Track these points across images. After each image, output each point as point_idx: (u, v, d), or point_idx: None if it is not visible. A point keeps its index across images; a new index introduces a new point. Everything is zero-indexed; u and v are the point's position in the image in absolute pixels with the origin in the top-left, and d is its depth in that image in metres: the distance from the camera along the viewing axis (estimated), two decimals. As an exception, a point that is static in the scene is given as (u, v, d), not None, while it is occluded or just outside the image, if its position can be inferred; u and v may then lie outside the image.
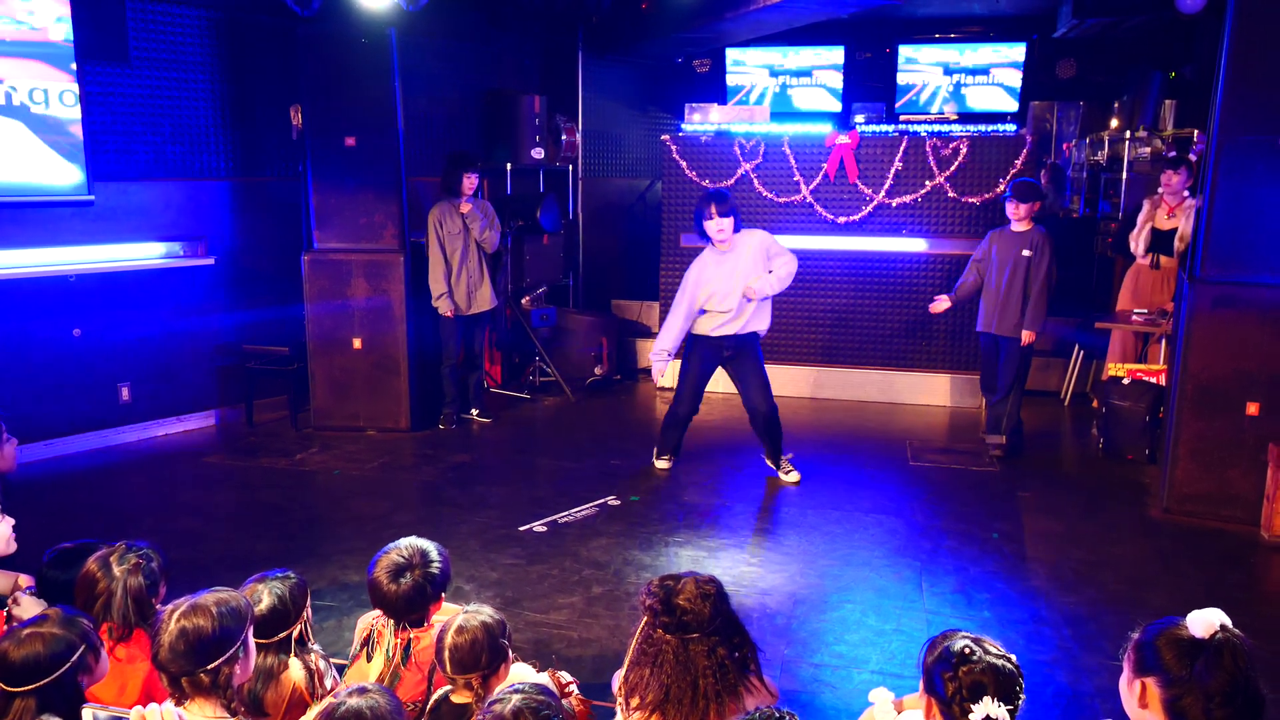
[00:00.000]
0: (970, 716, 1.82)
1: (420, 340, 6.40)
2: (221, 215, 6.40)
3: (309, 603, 2.50)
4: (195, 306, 6.31)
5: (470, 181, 6.25)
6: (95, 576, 2.41)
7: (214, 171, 6.31)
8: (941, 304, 5.87)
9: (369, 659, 2.56)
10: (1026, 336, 5.57)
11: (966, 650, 1.87)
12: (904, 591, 4.03)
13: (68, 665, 2.01)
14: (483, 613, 2.31)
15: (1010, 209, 5.57)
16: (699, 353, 5.30)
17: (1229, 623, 1.74)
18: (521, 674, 2.45)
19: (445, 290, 6.26)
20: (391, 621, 2.52)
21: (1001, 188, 6.68)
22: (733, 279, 5.08)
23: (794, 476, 5.38)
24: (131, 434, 6.09)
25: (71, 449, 5.81)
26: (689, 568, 4.13)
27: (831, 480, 5.46)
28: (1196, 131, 7.49)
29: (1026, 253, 5.51)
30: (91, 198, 5.59)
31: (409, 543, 2.57)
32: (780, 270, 5.11)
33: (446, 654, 2.24)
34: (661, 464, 5.56)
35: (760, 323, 5.24)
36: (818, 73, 8.80)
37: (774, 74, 8.88)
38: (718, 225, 5.05)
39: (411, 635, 2.50)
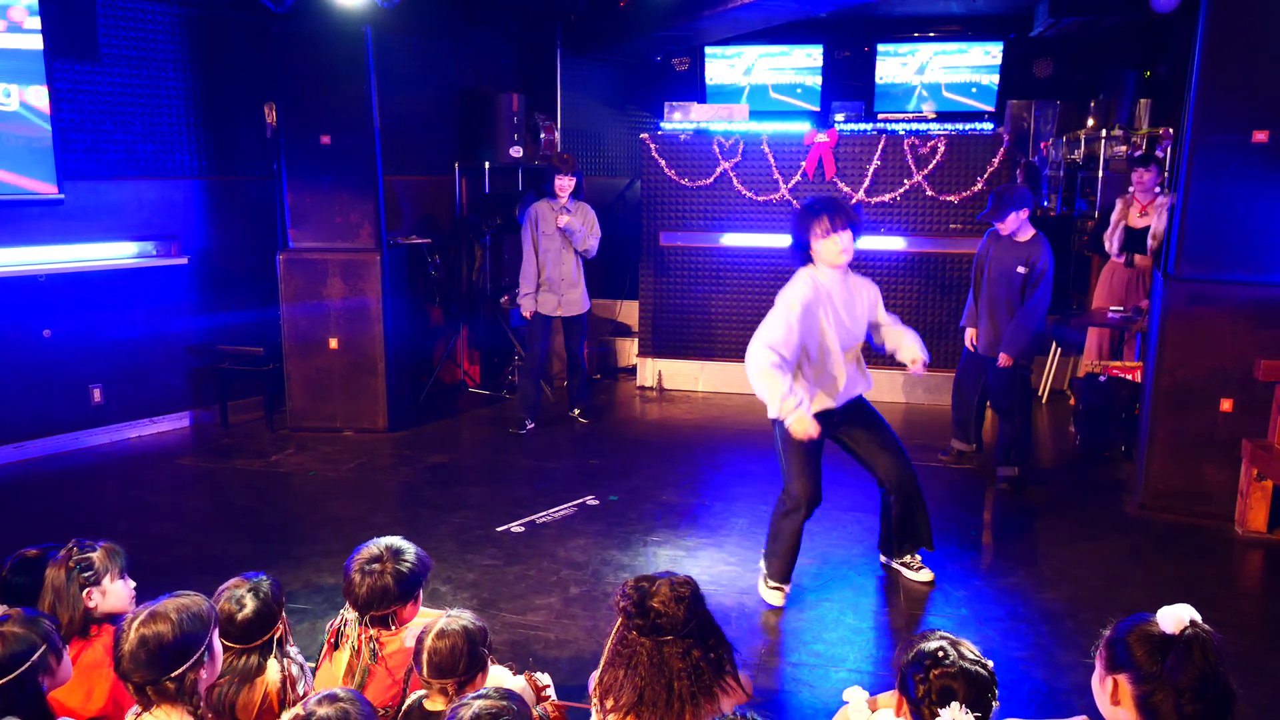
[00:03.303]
0: None
1: (398, 340, 6.35)
2: (195, 214, 6.33)
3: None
4: (168, 307, 6.23)
5: (563, 183, 6.09)
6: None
7: (187, 170, 6.24)
8: (971, 336, 5.42)
9: (334, 651, 2.54)
10: (1003, 359, 5.05)
11: (940, 653, 1.86)
12: (882, 589, 4.03)
13: (28, 665, 1.97)
14: (464, 618, 2.30)
15: (1000, 229, 5.11)
16: None
17: (1198, 618, 1.75)
18: (498, 678, 2.43)
19: (531, 290, 6.21)
20: (356, 617, 2.50)
21: (979, 185, 6.71)
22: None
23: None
24: (103, 436, 6.01)
25: (42, 451, 5.73)
26: (667, 567, 4.12)
27: (810, 478, 5.45)
28: (1164, 129, 7.56)
29: (1022, 269, 5.05)
30: (61, 197, 5.51)
31: (388, 540, 2.58)
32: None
33: (425, 657, 2.22)
34: None
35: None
36: (797, 71, 8.81)
37: (752, 72, 8.88)
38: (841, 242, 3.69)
39: (374, 633, 2.48)
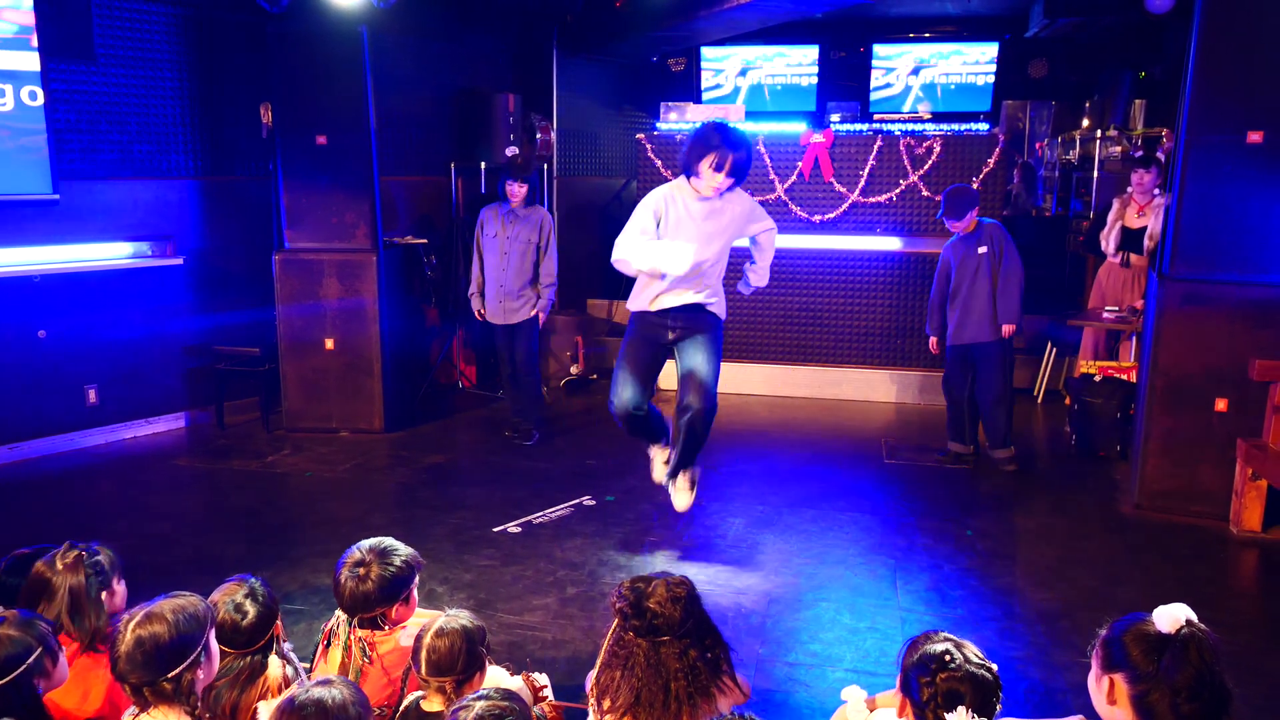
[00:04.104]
0: None
1: (394, 341, 6.34)
2: (190, 215, 6.31)
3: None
4: (164, 307, 6.22)
5: (513, 189, 5.85)
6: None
7: (182, 170, 6.23)
8: (934, 343, 5.69)
9: (328, 651, 2.54)
10: (1006, 329, 5.31)
11: (947, 656, 1.86)
12: (878, 589, 4.04)
13: (23, 667, 1.97)
14: (462, 617, 2.30)
15: (951, 228, 5.42)
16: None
17: (1194, 617, 1.75)
18: (496, 678, 2.43)
19: (475, 291, 6.10)
20: (346, 617, 2.50)
21: (975, 186, 6.72)
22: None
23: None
24: (99, 437, 6.00)
25: (37, 452, 5.71)
26: (664, 567, 4.14)
27: (806, 479, 5.46)
28: (1165, 130, 7.58)
29: (982, 249, 5.31)
30: (56, 197, 5.50)
31: (375, 541, 2.57)
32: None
33: (424, 654, 2.22)
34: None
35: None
36: (792, 72, 8.82)
37: (748, 73, 8.89)
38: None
39: (364, 635, 2.48)
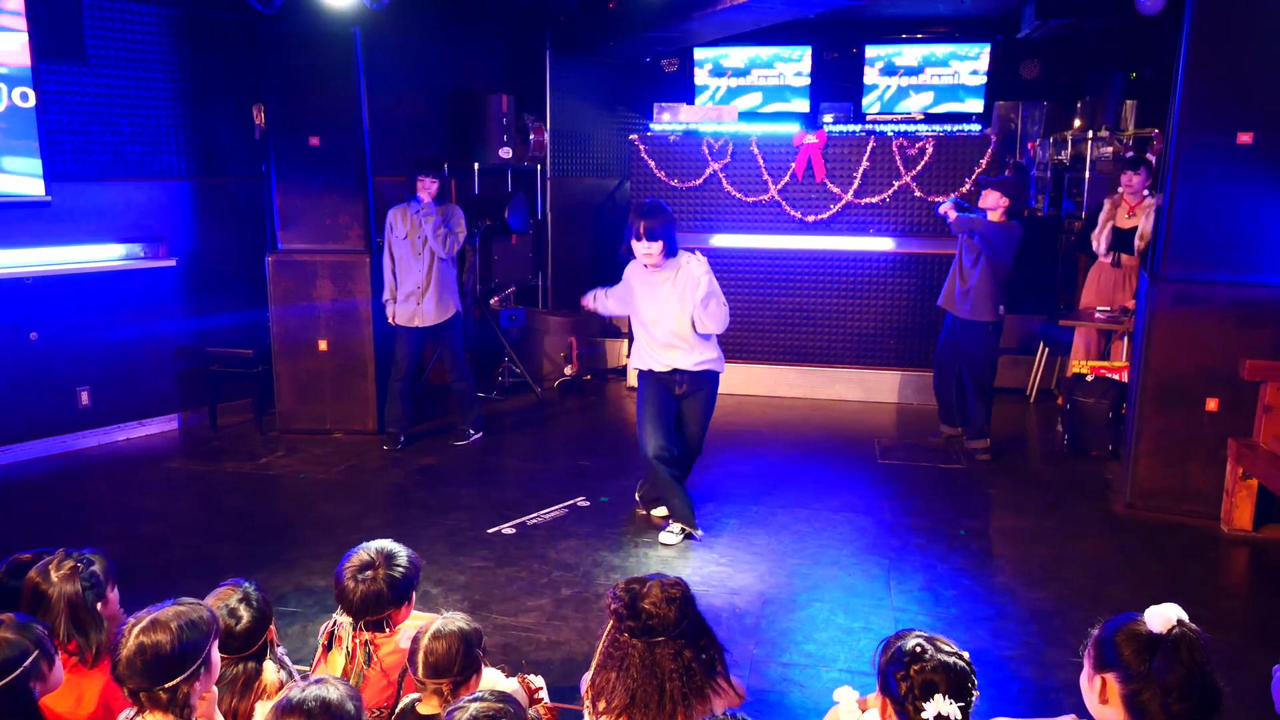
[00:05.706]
0: (923, 715, 1.83)
1: (388, 342, 6.33)
2: (183, 216, 6.30)
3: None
4: (157, 309, 6.21)
5: (423, 185, 5.75)
6: (32, 586, 2.37)
7: (175, 172, 6.22)
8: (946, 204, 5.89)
9: (328, 654, 2.54)
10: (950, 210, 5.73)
11: (918, 649, 1.89)
12: (872, 589, 4.05)
13: (19, 670, 1.96)
14: (459, 619, 2.31)
15: (983, 198, 5.63)
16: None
17: (1185, 617, 1.76)
18: (492, 680, 2.44)
19: (387, 297, 5.92)
20: (350, 621, 2.50)
21: (968, 186, 6.74)
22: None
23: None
24: (92, 439, 5.98)
25: (30, 455, 5.70)
26: (658, 569, 4.16)
27: (800, 479, 5.48)
28: (1156, 131, 7.61)
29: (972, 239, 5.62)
30: (49, 198, 5.49)
31: (380, 544, 2.58)
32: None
33: (421, 656, 2.23)
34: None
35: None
36: (786, 73, 8.83)
37: (742, 74, 8.89)
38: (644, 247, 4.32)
39: (369, 637, 2.48)
